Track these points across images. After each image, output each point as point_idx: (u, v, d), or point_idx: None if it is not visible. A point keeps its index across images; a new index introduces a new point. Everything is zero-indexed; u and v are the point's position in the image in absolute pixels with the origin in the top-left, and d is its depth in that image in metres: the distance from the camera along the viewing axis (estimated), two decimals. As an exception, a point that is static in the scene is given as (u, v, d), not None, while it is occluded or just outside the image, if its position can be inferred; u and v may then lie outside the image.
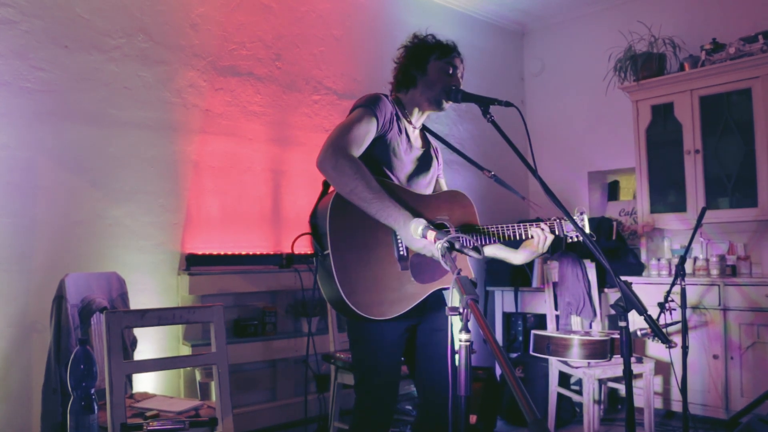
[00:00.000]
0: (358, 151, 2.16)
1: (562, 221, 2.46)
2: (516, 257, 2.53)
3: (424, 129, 2.58)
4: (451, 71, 2.38)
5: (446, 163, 2.79)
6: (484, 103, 2.26)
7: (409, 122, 2.45)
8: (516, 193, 2.57)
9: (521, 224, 2.43)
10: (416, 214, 2.05)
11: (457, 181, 5.29)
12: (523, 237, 2.42)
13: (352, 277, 2.11)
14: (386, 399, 2.36)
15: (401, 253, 2.22)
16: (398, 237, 2.22)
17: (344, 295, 2.09)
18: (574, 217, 2.38)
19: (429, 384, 2.41)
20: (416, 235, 1.95)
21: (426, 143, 2.55)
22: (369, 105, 2.26)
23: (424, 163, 2.47)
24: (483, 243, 2.41)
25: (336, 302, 2.14)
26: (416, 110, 2.44)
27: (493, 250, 2.58)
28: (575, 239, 2.46)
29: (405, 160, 2.37)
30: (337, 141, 2.12)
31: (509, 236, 2.40)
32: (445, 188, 2.62)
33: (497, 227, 2.40)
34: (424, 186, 2.47)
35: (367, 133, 2.21)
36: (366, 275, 2.14)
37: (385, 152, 2.32)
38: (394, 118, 2.34)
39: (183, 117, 3.99)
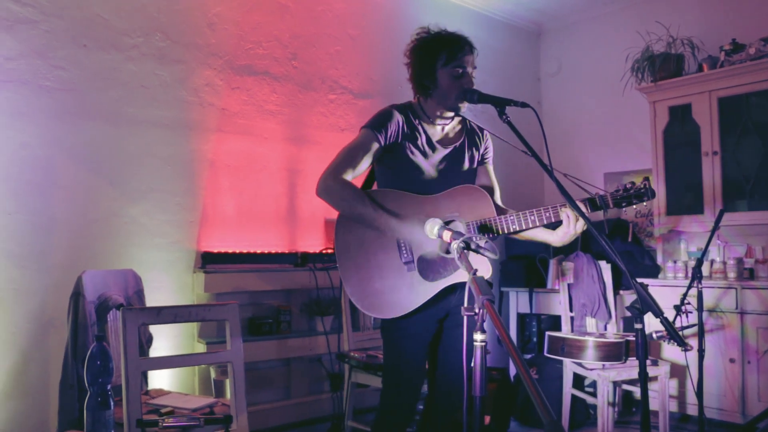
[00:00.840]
0: (353, 173, 2.35)
1: (596, 196, 2.32)
2: (553, 238, 2.42)
3: (463, 119, 2.55)
4: (461, 71, 2.35)
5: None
6: (500, 104, 2.23)
7: (433, 123, 2.45)
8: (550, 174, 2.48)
9: (549, 207, 2.32)
10: (424, 216, 2.11)
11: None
12: (552, 220, 2.32)
13: (360, 284, 2.31)
14: (409, 392, 2.41)
15: (405, 256, 2.31)
16: (401, 242, 2.31)
17: (354, 300, 2.31)
18: (638, 184, 2.31)
19: (445, 382, 2.44)
20: (432, 235, 1.98)
21: (460, 135, 2.52)
22: (371, 126, 2.39)
23: (455, 159, 2.47)
24: (516, 231, 2.34)
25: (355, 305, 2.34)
26: (438, 112, 2.44)
27: (531, 232, 2.46)
28: (627, 203, 2.31)
29: (426, 164, 2.41)
30: (329, 168, 2.34)
31: (534, 222, 2.30)
32: (492, 174, 2.60)
33: (522, 214, 2.31)
34: (459, 181, 2.45)
35: (365, 153, 2.36)
36: (373, 281, 2.31)
37: (405, 162, 2.40)
38: (405, 128, 2.40)
39: (199, 116, 4.01)
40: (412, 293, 2.29)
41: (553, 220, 2.33)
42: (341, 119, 4.71)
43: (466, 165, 2.50)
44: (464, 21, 5.59)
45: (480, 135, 2.59)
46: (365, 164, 2.38)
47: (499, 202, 2.57)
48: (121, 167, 3.69)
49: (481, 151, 2.58)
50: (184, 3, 3.97)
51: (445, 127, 2.47)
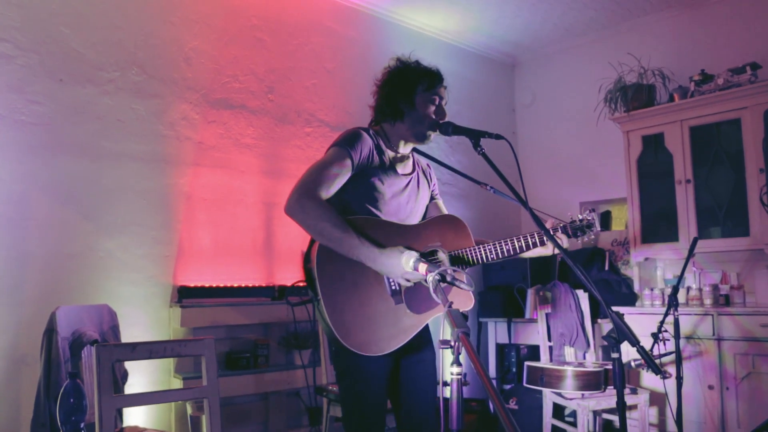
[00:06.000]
0: (327, 192, 2.18)
1: (568, 224, 2.38)
2: (548, 251, 2.42)
3: (415, 151, 2.55)
4: (437, 102, 2.37)
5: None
6: (475, 136, 2.25)
7: (396, 152, 2.42)
8: (515, 200, 2.48)
9: (520, 236, 2.35)
10: (404, 245, 2.06)
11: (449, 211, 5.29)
12: (524, 249, 2.33)
13: (345, 320, 2.13)
14: (372, 428, 2.32)
15: (393, 288, 2.21)
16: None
17: (340, 337, 2.10)
18: (585, 215, 2.38)
19: (411, 419, 2.38)
20: (408, 267, 1.96)
21: (413, 168, 2.50)
22: (343, 144, 2.27)
23: (412, 189, 2.45)
24: (499, 257, 2.35)
25: (335, 343, 2.16)
26: (402, 142, 2.41)
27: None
28: (591, 237, 2.39)
29: (389, 192, 2.34)
30: (303, 184, 2.17)
31: (509, 251, 2.33)
32: (443, 209, 2.59)
33: (498, 243, 2.33)
34: (414, 212, 2.45)
35: (338, 173, 2.21)
36: (359, 315, 2.15)
37: (367, 187, 2.30)
38: (374, 151, 2.33)
39: (176, 149, 4.00)
40: (401, 327, 2.20)
41: (524, 250, 2.35)
42: (318, 152, 4.71)
43: (420, 197, 2.48)
44: (440, 53, 5.66)
45: (427, 171, 2.60)
46: (338, 184, 2.22)
47: None
48: (96, 201, 3.66)
49: (431, 186, 2.59)
50: (160, 37, 3.99)
51: (403, 157, 2.46)
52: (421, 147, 2.50)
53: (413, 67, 2.42)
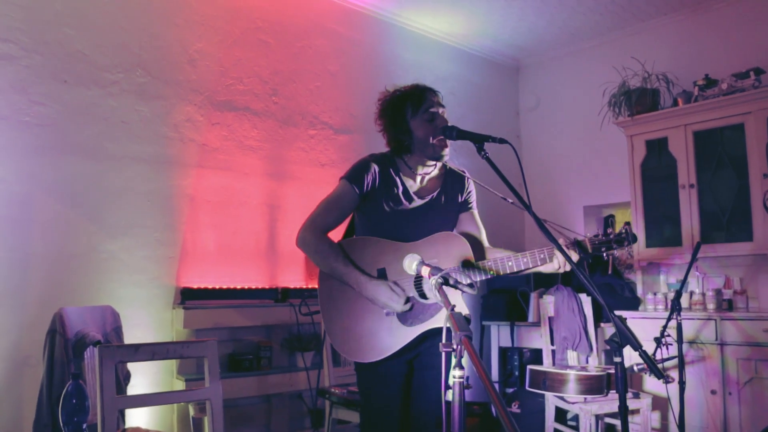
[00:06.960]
0: (331, 225, 2.42)
1: (584, 240, 2.38)
2: (547, 269, 2.42)
3: (445, 167, 2.57)
4: (431, 116, 2.40)
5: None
6: (478, 140, 2.26)
7: (414, 175, 2.47)
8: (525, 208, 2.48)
9: (535, 251, 2.35)
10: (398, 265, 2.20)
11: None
12: (547, 261, 2.33)
13: (340, 330, 2.36)
14: (388, 429, 2.40)
15: None
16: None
17: (335, 346, 2.37)
18: (621, 229, 2.41)
19: (418, 425, 2.43)
20: (410, 270, 1.98)
21: (438, 183, 2.53)
22: (349, 177, 2.44)
23: (433, 209, 2.48)
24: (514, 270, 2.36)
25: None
26: (420, 165, 2.47)
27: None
28: (607, 249, 2.39)
29: (400, 215, 2.43)
30: (308, 221, 2.42)
31: (526, 264, 2.34)
32: (478, 220, 2.61)
33: (512, 257, 2.35)
34: (434, 229, 2.45)
35: (342, 205, 2.44)
36: (352, 327, 2.35)
37: (379, 211, 2.43)
38: (380, 179, 2.43)
39: (180, 151, 4.01)
40: (391, 337, 2.32)
41: (539, 264, 2.34)
42: (321, 154, 4.73)
43: (443, 213, 2.51)
44: (444, 56, 5.66)
45: (462, 180, 2.60)
46: (343, 216, 2.45)
47: (486, 243, 2.59)
48: (100, 203, 3.67)
49: (464, 197, 2.59)
50: (165, 39, 4.00)
51: (425, 177, 2.49)
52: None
53: (394, 97, 2.48)
